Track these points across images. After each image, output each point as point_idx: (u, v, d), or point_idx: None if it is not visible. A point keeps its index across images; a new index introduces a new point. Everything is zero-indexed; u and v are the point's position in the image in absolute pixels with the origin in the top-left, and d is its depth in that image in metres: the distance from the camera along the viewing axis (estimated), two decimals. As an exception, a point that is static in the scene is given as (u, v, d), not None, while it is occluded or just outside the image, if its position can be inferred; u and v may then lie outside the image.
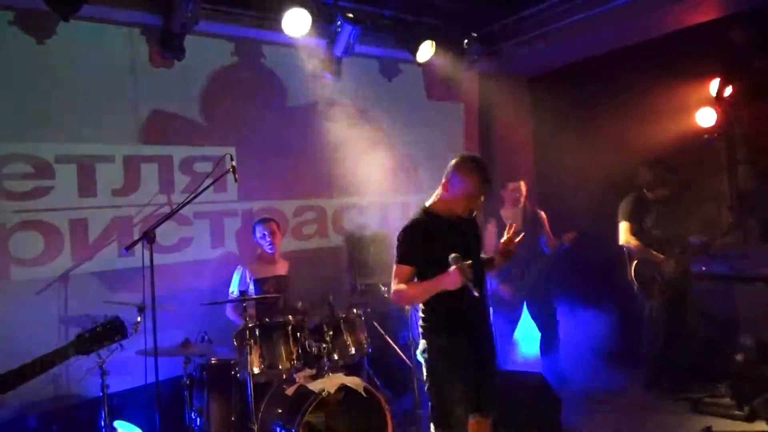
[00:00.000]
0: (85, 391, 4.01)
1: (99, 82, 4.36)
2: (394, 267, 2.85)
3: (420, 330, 2.98)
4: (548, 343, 5.01)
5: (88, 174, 4.30)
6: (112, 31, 4.42)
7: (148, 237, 3.28)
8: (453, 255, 2.66)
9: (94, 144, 4.34)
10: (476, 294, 2.58)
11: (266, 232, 4.53)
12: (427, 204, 2.96)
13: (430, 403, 2.92)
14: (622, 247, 4.82)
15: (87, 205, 4.28)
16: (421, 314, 2.99)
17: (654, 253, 4.68)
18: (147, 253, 3.32)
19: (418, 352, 2.99)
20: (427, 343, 2.93)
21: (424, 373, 2.94)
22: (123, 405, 3.89)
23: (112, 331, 2.68)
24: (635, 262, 4.76)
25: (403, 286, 2.81)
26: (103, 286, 4.26)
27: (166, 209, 4.46)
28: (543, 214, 5.22)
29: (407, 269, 2.82)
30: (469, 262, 2.63)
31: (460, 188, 2.82)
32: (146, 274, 3.31)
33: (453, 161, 2.91)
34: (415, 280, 2.89)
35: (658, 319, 4.69)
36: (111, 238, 4.33)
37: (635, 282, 4.74)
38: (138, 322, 3.63)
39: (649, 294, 4.69)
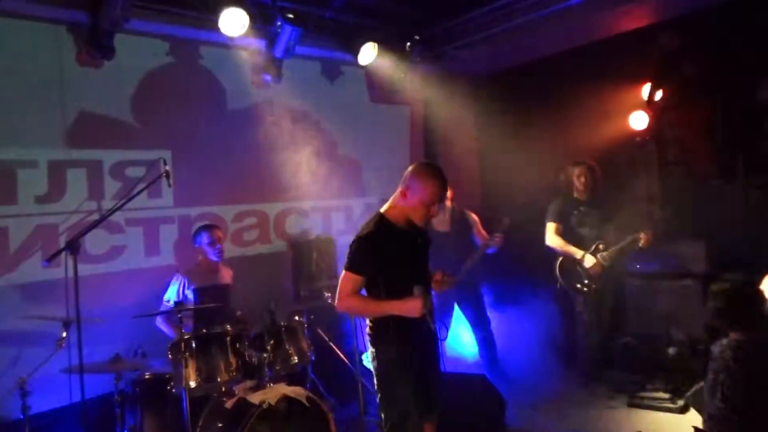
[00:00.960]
0: (6, 412, 3.74)
1: (21, 81, 4.10)
2: (344, 273, 2.81)
3: (368, 338, 2.94)
4: (483, 341, 5.01)
5: (8, 180, 4.03)
6: (35, 28, 4.15)
7: (72, 247, 3.08)
8: (417, 287, 2.73)
9: (14, 148, 4.07)
10: (431, 327, 2.71)
11: (214, 239, 4.34)
12: (383, 211, 2.90)
13: (382, 413, 2.88)
14: (548, 246, 5.01)
15: (7, 213, 4.01)
16: (368, 322, 2.94)
17: (573, 249, 4.88)
18: (72, 264, 3.14)
19: (364, 359, 2.95)
20: (376, 352, 2.88)
21: (375, 382, 2.90)
22: (47, 426, 3.67)
23: None
24: (560, 259, 4.94)
25: (354, 300, 2.81)
26: (25, 299, 3.99)
27: (96, 217, 4.23)
28: (473, 215, 5.19)
29: (357, 279, 2.80)
30: (429, 298, 2.74)
31: (419, 195, 2.79)
32: (71, 286, 3.11)
33: (411, 168, 2.88)
34: (363, 292, 2.86)
35: (585, 315, 4.87)
36: (34, 247, 4.07)
37: (559, 278, 4.92)
38: (63, 338, 3.43)
39: (573, 290, 4.89)
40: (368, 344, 2.94)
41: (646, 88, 5.47)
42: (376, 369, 2.89)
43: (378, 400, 2.91)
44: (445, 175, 2.86)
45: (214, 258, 4.38)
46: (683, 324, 4.74)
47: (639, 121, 5.44)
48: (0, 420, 3.76)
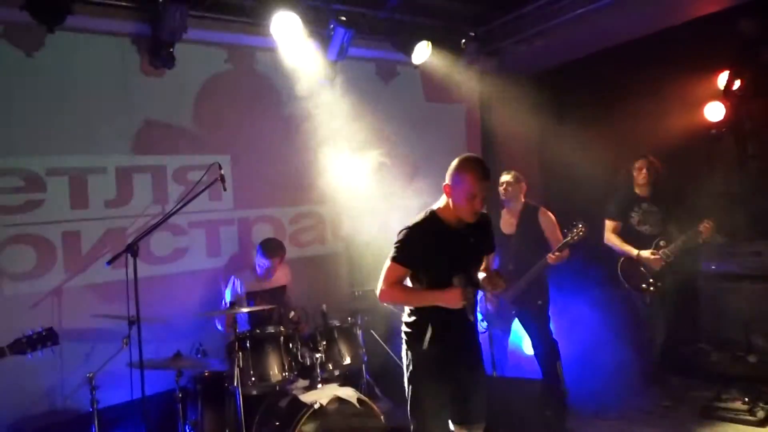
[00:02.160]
0: (77, 405, 3.98)
1: (90, 92, 4.34)
2: (388, 263, 2.80)
3: (403, 338, 2.91)
4: (542, 358, 4.51)
5: (80, 185, 4.28)
6: (101, 41, 4.39)
7: (132, 249, 3.22)
8: (457, 276, 2.67)
9: (85, 156, 4.32)
10: (470, 319, 2.62)
11: (268, 265, 4.34)
12: (435, 207, 2.88)
13: (409, 412, 2.84)
14: (607, 245, 4.77)
15: (79, 217, 4.26)
16: (404, 323, 2.91)
17: (629, 247, 4.60)
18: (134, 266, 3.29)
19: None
20: (408, 353, 2.86)
21: (405, 381, 2.87)
22: (114, 419, 3.86)
23: (45, 338, 3.22)
24: (621, 259, 4.68)
25: (396, 290, 2.79)
26: (95, 298, 4.23)
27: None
28: (550, 215, 4.49)
29: (401, 270, 2.78)
30: (471, 290, 2.66)
31: (461, 189, 2.73)
32: (133, 287, 3.26)
33: (452, 164, 2.83)
34: (407, 281, 2.84)
35: (650, 316, 4.58)
36: (104, 249, 4.30)
37: (622, 279, 4.66)
38: (128, 336, 3.59)
39: (637, 290, 4.59)
40: (403, 345, 2.90)
41: (723, 77, 5.17)
42: (406, 370, 2.87)
43: (407, 398, 2.87)
44: (486, 166, 2.78)
45: (261, 277, 4.44)
46: (763, 330, 4.39)
47: (715, 112, 5.16)
48: (72, 412, 4.01)
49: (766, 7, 4.81)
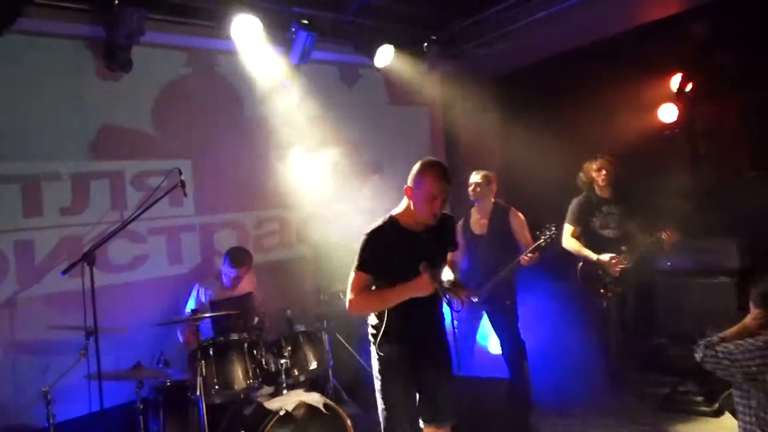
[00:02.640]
0: (32, 421, 3.83)
1: (43, 97, 4.20)
2: (353, 274, 2.82)
3: (370, 339, 2.93)
4: (510, 356, 4.58)
5: (34, 192, 4.14)
6: (54, 45, 4.26)
7: (89, 258, 3.14)
8: (424, 262, 2.67)
9: (39, 162, 4.18)
10: (445, 302, 2.64)
11: (234, 274, 4.30)
12: (394, 213, 2.90)
13: (379, 413, 2.87)
14: (565, 249, 4.82)
15: (33, 225, 4.12)
16: (370, 324, 2.92)
17: (589, 253, 4.65)
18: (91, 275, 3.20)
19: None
20: (375, 352, 2.89)
21: (375, 381, 2.89)
22: (72, 434, 3.74)
23: None
24: (580, 264, 4.75)
25: (363, 296, 2.80)
26: (50, 310, 4.09)
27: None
28: (519, 216, 4.53)
29: (365, 277, 2.81)
30: (438, 272, 2.69)
31: (421, 191, 2.77)
32: (89, 297, 3.17)
33: (414, 168, 2.87)
34: (373, 288, 2.84)
35: (610, 318, 4.67)
36: (59, 259, 4.16)
37: (582, 283, 4.74)
38: (86, 347, 3.49)
39: (597, 293, 4.67)
40: (370, 345, 2.93)
41: (675, 80, 5.29)
42: (374, 369, 2.90)
43: (377, 399, 2.90)
44: (446, 169, 2.82)
45: (227, 285, 4.38)
46: (717, 323, 4.52)
47: (668, 113, 5.28)
48: (26, 428, 3.87)
49: (715, 11, 4.98)
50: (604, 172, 4.74)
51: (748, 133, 5.09)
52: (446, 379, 2.96)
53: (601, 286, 4.65)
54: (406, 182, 2.86)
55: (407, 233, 2.83)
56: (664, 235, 4.40)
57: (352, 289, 2.81)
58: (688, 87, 5.25)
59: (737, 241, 4.67)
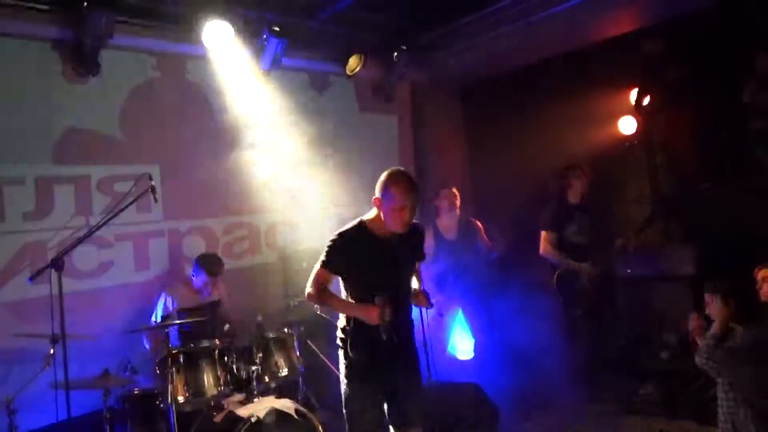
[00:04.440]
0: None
1: (7, 99, 4.09)
2: (317, 268, 2.90)
3: (338, 342, 2.97)
4: (484, 349, 4.94)
5: (-5, 197, 4.03)
6: (18, 46, 4.15)
7: (57, 264, 3.08)
8: (379, 297, 2.72)
9: (1, 165, 4.06)
10: (384, 338, 2.70)
11: (205, 281, 4.31)
12: (365, 218, 2.94)
13: (344, 415, 2.88)
14: (542, 256, 4.97)
15: (-6, 230, 4.01)
16: (339, 329, 2.98)
17: (571, 261, 4.82)
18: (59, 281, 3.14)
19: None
20: (342, 357, 2.93)
21: (342, 385, 2.92)
22: (35, 445, 3.64)
23: None
24: (557, 271, 4.87)
25: (322, 294, 2.88)
26: (13, 317, 3.97)
27: (85, 232, 4.21)
28: (478, 223, 5.20)
29: (327, 274, 2.90)
30: (390, 310, 2.71)
31: (390, 201, 2.80)
32: (57, 303, 3.11)
33: (381, 177, 2.90)
34: (340, 283, 2.95)
35: (583, 326, 4.81)
36: (22, 265, 4.05)
37: (558, 291, 4.86)
38: (51, 355, 3.41)
39: (572, 302, 4.81)
40: (339, 351, 2.97)
41: (633, 93, 5.50)
42: (341, 373, 2.93)
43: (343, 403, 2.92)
44: (413, 178, 2.88)
45: (200, 292, 4.38)
46: (675, 327, 4.73)
47: (628, 125, 5.49)
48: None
49: (667, 28, 5.23)
50: (582, 180, 4.93)
51: (702, 144, 5.34)
52: (414, 386, 3.00)
53: (577, 297, 4.78)
54: (374, 189, 2.90)
55: (376, 239, 2.87)
56: (630, 239, 4.58)
57: (314, 282, 2.89)
58: (646, 100, 5.47)
59: (693, 248, 4.88)
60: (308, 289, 2.91)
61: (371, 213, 2.94)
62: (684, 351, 4.69)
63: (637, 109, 5.46)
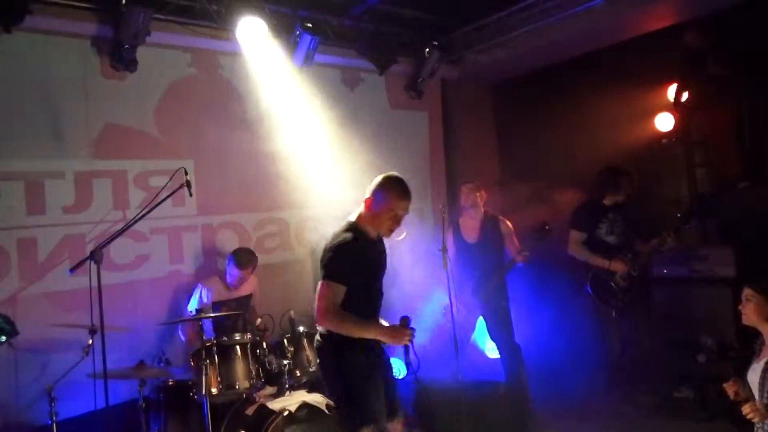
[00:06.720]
0: (34, 418, 3.82)
1: (48, 95, 4.20)
2: (325, 284, 2.74)
3: (326, 351, 2.95)
4: (506, 359, 4.63)
5: (37, 191, 4.13)
6: (61, 43, 4.25)
7: (95, 256, 3.14)
8: (404, 317, 2.76)
9: (42, 160, 4.18)
10: (404, 360, 2.80)
11: (239, 275, 4.37)
12: (353, 219, 2.93)
13: (353, 420, 2.81)
14: (570, 255, 4.84)
15: (35, 223, 4.11)
16: (324, 334, 2.96)
17: (601, 260, 4.64)
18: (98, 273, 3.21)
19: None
20: (341, 362, 2.88)
21: (340, 393, 2.90)
22: (74, 432, 3.74)
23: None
24: (590, 273, 4.73)
25: (342, 315, 2.76)
26: (53, 307, 4.08)
27: (121, 226, 4.30)
28: (508, 224, 4.71)
29: (341, 288, 2.75)
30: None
31: (382, 205, 2.82)
32: (95, 295, 3.18)
33: (376, 180, 2.91)
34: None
35: (615, 327, 4.70)
36: (62, 257, 4.16)
37: (591, 293, 4.71)
38: (89, 345, 3.50)
39: (606, 303, 4.67)
40: (326, 357, 2.91)
41: (672, 89, 5.37)
42: (343, 379, 2.85)
43: (345, 410, 2.87)
44: (407, 187, 2.87)
45: (231, 285, 4.44)
46: (712, 330, 4.61)
47: (665, 122, 5.35)
48: (29, 425, 3.85)
49: (708, 22, 5.08)
50: (632, 188, 4.77)
51: (742, 143, 5.19)
52: (394, 379, 3.12)
53: (612, 297, 4.64)
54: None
55: (369, 241, 2.89)
56: (668, 237, 4.44)
57: (326, 303, 2.71)
58: (684, 96, 5.33)
59: (732, 250, 4.74)
60: (325, 313, 2.72)
61: (355, 214, 2.93)
62: (721, 354, 4.59)
63: (676, 106, 5.32)
